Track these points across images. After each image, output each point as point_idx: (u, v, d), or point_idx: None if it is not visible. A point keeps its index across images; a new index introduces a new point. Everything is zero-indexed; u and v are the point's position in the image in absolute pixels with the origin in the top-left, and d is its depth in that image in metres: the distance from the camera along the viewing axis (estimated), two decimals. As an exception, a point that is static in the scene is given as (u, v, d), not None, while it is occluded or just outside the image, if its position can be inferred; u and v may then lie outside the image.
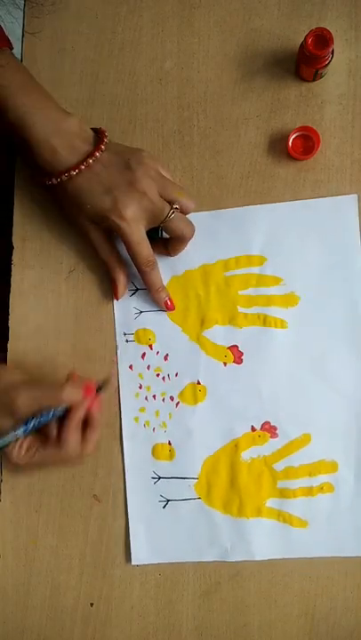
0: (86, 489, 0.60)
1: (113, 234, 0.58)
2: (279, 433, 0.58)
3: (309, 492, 0.57)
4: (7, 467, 0.59)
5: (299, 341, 0.58)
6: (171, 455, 0.59)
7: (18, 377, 0.56)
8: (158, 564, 0.59)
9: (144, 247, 0.57)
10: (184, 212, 0.58)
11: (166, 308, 0.60)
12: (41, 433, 0.55)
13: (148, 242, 0.57)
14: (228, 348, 0.59)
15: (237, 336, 0.59)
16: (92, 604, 0.59)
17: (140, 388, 0.60)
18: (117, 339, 0.61)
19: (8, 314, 0.62)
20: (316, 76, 0.59)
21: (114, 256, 0.59)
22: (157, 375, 0.60)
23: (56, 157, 0.55)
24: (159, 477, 0.59)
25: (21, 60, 0.64)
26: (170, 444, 0.59)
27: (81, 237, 0.60)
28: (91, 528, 0.59)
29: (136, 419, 0.60)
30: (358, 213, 0.59)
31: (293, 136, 0.59)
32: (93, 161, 0.55)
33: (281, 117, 0.61)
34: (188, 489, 0.59)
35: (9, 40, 0.57)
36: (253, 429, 0.58)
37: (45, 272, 0.62)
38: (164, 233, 0.59)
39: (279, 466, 0.58)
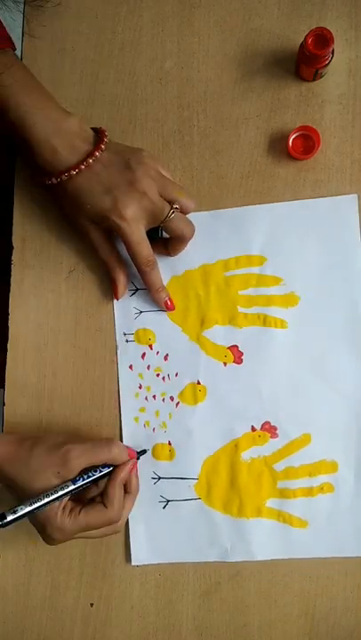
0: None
1: (113, 234, 0.58)
2: (279, 433, 0.58)
3: (309, 492, 0.57)
4: (47, 541, 0.54)
5: (299, 341, 0.58)
6: (171, 455, 0.59)
7: (62, 437, 0.56)
8: (158, 564, 0.59)
9: (144, 247, 0.57)
10: (184, 211, 0.57)
11: (166, 307, 0.60)
12: (81, 498, 0.55)
13: (148, 242, 0.57)
14: (228, 348, 0.59)
15: (237, 336, 0.59)
16: (92, 604, 0.59)
17: (140, 388, 0.60)
18: (117, 339, 0.61)
19: (8, 314, 0.62)
20: (316, 76, 0.59)
21: (114, 256, 0.59)
22: (157, 375, 0.60)
23: (56, 157, 0.55)
24: (159, 478, 0.59)
25: (21, 60, 0.64)
26: (170, 444, 0.59)
27: (81, 237, 0.60)
28: (91, 528, 0.59)
29: (136, 419, 0.60)
30: (358, 213, 0.59)
31: (293, 136, 0.59)
32: (93, 161, 0.55)
33: (281, 117, 0.61)
34: (188, 489, 0.59)
35: (12, 41, 0.57)
36: (253, 429, 0.58)
37: (45, 272, 0.62)
38: (164, 233, 0.59)
39: (279, 466, 0.58)
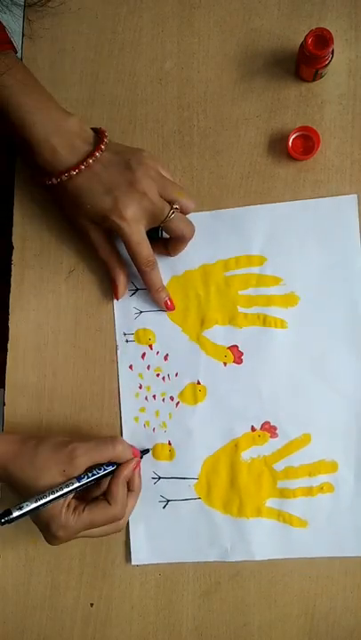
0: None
1: (113, 234, 0.58)
2: (279, 433, 0.58)
3: (309, 491, 0.57)
4: (50, 540, 0.53)
5: (299, 341, 0.58)
6: (171, 455, 0.59)
7: (66, 435, 0.56)
8: (158, 564, 0.59)
9: (144, 247, 0.57)
10: (184, 212, 0.58)
11: (166, 307, 0.60)
12: (83, 497, 0.55)
13: (148, 242, 0.57)
14: (228, 348, 0.59)
15: (237, 336, 0.59)
16: (92, 604, 0.59)
17: (140, 388, 0.60)
18: (117, 339, 0.61)
19: (8, 314, 0.62)
20: (316, 76, 0.59)
21: (114, 256, 0.59)
22: (157, 375, 0.60)
23: (56, 157, 0.55)
24: (159, 477, 0.59)
25: (21, 61, 0.64)
26: (170, 444, 0.59)
27: (81, 237, 0.60)
28: (91, 528, 0.59)
29: (136, 419, 0.60)
30: (358, 213, 0.59)
31: (293, 136, 0.59)
32: (93, 161, 0.55)
33: (281, 117, 0.61)
34: (188, 489, 0.59)
35: (13, 43, 0.57)
36: (253, 429, 0.58)
37: (45, 272, 0.62)
38: (164, 233, 0.59)
39: (279, 466, 0.58)
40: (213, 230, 0.60)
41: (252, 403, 0.58)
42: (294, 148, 0.60)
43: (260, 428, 0.58)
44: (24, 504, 0.51)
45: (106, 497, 0.54)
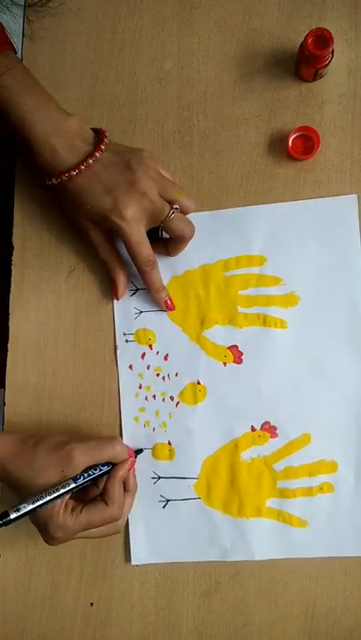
0: (86, 489, 0.60)
1: (113, 234, 0.58)
2: (279, 433, 0.58)
3: (309, 492, 0.57)
4: (48, 541, 0.53)
5: (299, 341, 0.58)
6: (171, 455, 0.59)
7: (65, 435, 0.56)
8: (158, 563, 0.59)
9: (144, 247, 0.57)
10: (184, 212, 0.58)
11: (166, 307, 0.60)
12: (82, 497, 0.55)
13: (148, 242, 0.57)
14: (228, 348, 0.59)
15: (237, 336, 0.59)
16: (92, 604, 0.59)
17: (140, 388, 0.60)
18: (117, 339, 0.61)
19: (8, 314, 0.62)
20: (316, 76, 0.59)
21: (114, 256, 0.59)
22: (157, 375, 0.60)
23: (56, 157, 0.55)
24: (159, 477, 0.59)
25: (21, 61, 0.64)
26: (170, 443, 0.59)
27: (81, 237, 0.60)
28: (91, 528, 0.59)
29: (136, 419, 0.60)
30: (358, 213, 0.59)
31: (293, 136, 0.59)
32: (93, 161, 0.55)
33: (281, 117, 0.61)
34: (188, 489, 0.59)
35: (12, 43, 0.57)
36: (253, 429, 0.58)
37: (45, 272, 0.62)
38: (164, 233, 0.59)
39: (279, 466, 0.58)
40: (213, 230, 0.60)
41: (252, 403, 0.58)
42: (294, 148, 0.60)
43: (260, 428, 0.58)
44: (21, 506, 0.51)
45: (103, 497, 0.54)
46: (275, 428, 0.58)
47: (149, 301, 0.60)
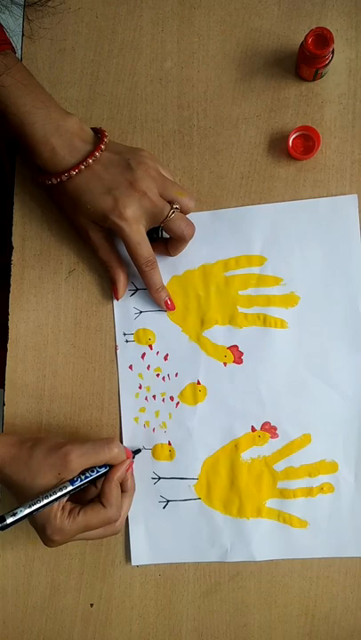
0: (86, 489, 0.60)
1: (113, 234, 0.58)
2: (279, 433, 0.58)
3: (310, 492, 0.57)
4: (46, 543, 0.53)
5: (299, 341, 0.58)
6: (171, 455, 0.59)
7: (62, 438, 0.56)
8: (158, 564, 0.59)
9: (144, 247, 0.57)
10: (184, 211, 0.57)
11: (166, 307, 0.60)
12: (79, 499, 0.55)
13: (148, 242, 0.57)
14: (228, 348, 0.59)
15: (237, 336, 0.59)
16: (91, 605, 0.59)
17: (140, 388, 0.60)
18: (117, 339, 0.61)
19: (8, 314, 0.62)
20: (316, 76, 0.59)
21: (114, 256, 0.59)
22: (157, 375, 0.60)
23: (56, 157, 0.55)
24: (159, 478, 0.59)
25: (21, 60, 0.64)
26: (170, 444, 0.59)
27: (81, 237, 0.60)
28: (91, 528, 0.59)
29: (136, 419, 0.60)
30: (358, 213, 0.59)
31: (293, 136, 0.59)
32: (93, 161, 0.55)
33: (281, 117, 0.61)
34: (188, 489, 0.59)
35: (11, 43, 0.57)
36: (253, 429, 0.58)
37: (45, 272, 0.62)
38: (164, 233, 0.59)
39: (279, 466, 0.58)
40: (213, 230, 0.60)
41: (252, 403, 0.58)
42: (294, 148, 0.59)
43: (261, 429, 0.58)
44: (18, 510, 0.51)
45: (100, 499, 0.53)
46: (275, 429, 0.58)
47: (149, 301, 0.60)
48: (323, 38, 0.56)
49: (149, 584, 0.59)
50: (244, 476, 0.58)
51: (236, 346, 0.59)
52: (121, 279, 0.59)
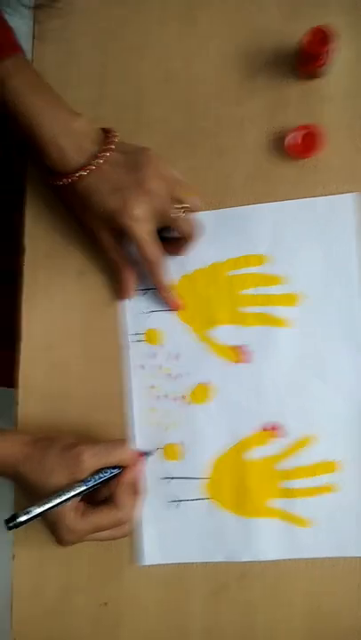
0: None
1: (122, 234, 0.58)
2: (286, 432, 0.58)
3: (315, 491, 0.57)
4: (59, 542, 0.54)
5: (305, 341, 0.58)
6: (181, 455, 0.59)
7: (75, 438, 0.56)
8: (167, 564, 0.58)
9: (153, 247, 0.57)
10: (193, 211, 0.58)
11: (176, 307, 0.60)
12: (91, 499, 0.55)
13: (157, 241, 0.57)
14: (238, 347, 0.59)
15: (246, 335, 0.59)
16: (102, 605, 0.59)
17: (151, 387, 0.60)
18: (127, 339, 0.61)
19: (16, 314, 0.62)
20: (317, 74, 0.60)
21: (122, 256, 0.59)
22: (168, 375, 0.60)
23: (65, 158, 0.55)
24: (169, 478, 0.59)
25: (31, 62, 0.64)
26: (180, 443, 0.59)
27: (91, 238, 0.60)
28: (101, 528, 0.59)
29: (147, 418, 0.60)
30: (358, 213, 0.59)
31: (296, 134, 0.59)
32: (102, 161, 0.55)
33: (282, 116, 0.61)
34: (198, 489, 0.58)
35: (20, 46, 0.57)
36: (261, 429, 0.58)
37: (56, 272, 0.62)
38: (172, 232, 0.59)
39: (285, 465, 0.58)
40: (221, 229, 0.60)
41: (260, 402, 0.58)
42: (296, 147, 0.59)
43: (268, 428, 0.58)
44: (31, 509, 0.51)
45: (111, 501, 0.54)
46: (282, 428, 0.58)
47: (160, 301, 0.60)
48: (323, 37, 0.56)
49: (158, 584, 0.58)
50: (252, 476, 0.58)
51: (245, 345, 0.59)
52: (129, 279, 0.59)
